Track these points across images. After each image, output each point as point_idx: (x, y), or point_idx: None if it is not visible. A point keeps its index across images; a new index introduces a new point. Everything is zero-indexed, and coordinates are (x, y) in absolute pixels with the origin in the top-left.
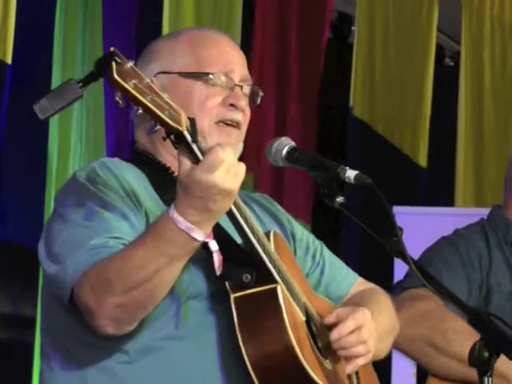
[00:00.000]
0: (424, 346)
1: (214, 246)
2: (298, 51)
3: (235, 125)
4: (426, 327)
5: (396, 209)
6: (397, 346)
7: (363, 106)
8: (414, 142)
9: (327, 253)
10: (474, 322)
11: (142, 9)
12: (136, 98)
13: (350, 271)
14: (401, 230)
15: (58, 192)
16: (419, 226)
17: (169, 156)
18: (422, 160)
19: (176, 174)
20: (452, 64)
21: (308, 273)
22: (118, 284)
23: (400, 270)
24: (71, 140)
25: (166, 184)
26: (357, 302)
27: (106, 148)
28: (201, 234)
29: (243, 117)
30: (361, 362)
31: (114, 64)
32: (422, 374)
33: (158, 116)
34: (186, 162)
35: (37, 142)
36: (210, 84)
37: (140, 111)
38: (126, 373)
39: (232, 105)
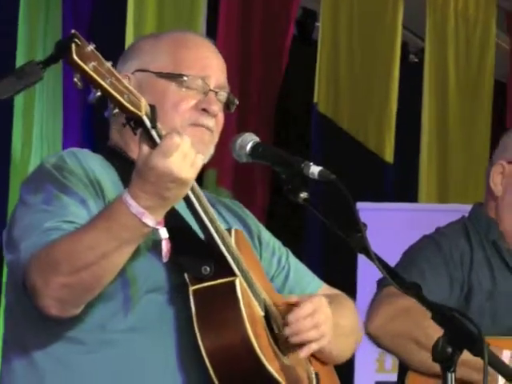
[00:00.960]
0: (406, 342)
1: (163, 233)
2: (262, 49)
3: (207, 129)
4: (407, 323)
5: (360, 205)
6: (378, 341)
7: (328, 101)
8: (380, 138)
9: (293, 259)
10: (437, 318)
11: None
12: (95, 80)
13: (315, 278)
14: (365, 225)
15: (24, 179)
16: (383, 222)
17: (137, 149)
18: (389, 156)
19: None
20: (416, 60)
21: (273, 276)
22: (65, 264)
23: (364, 266)
24: (33, 135)
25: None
26: None
27: (62, 145)
28: (151, 220)
29: (215, 123)
30: (314, 346)
31: (73, 46)
32: (403, 370)
33: (117, 99)
34: (145, 148)
35: (1, 135)
36: (184, 86)
37: (98, 93)
38: (82, 364)
39: (204, 109)
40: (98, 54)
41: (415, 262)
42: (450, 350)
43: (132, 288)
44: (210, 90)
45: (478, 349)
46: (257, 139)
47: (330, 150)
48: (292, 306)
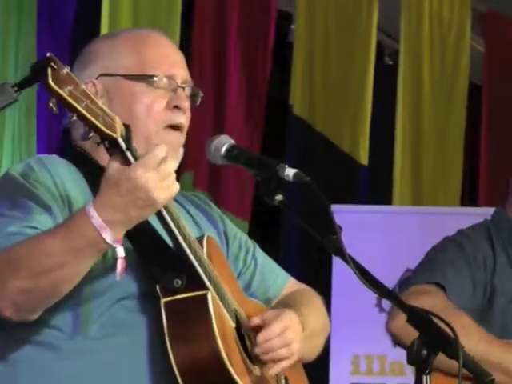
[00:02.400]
0: None
1: (120, 252)
2: (240, 50)
3: (179, 128)
4: None
5: (335, 207)
6: (400, 339)
7: (303, 104)
8: (355, 140)
9: (260, 254)
10: (412, 321)
11: (79, 10)
12: (71, 105)
13: (282, 272)
14: (340, 228)
15: None
16: (358, 224)
17: (107, 156)
18: (363, 158)
19: None
20: (391, 62)
21: (240, 273)
22: (24, 268)
23: (338, 268)
24: (4, 140)
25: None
26: (287, 303)
27: (36, 149)
28: (110, 237)
29: (186, 119)
30: (284, 364)
31: (49, 70)
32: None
33: (92, 123)
34: (116, 163)
35: None
36: (154, 86)
37: (74, 118)
38: (53, 370)
39: (176, 107)
40: (73, 76)
41: (438, 263)
42: (425, 352)
43: (105, 296)
44: (178, 86)
45: (453, 352)
46: (232, 142)
47: (305, 152)
48: (259, 324)
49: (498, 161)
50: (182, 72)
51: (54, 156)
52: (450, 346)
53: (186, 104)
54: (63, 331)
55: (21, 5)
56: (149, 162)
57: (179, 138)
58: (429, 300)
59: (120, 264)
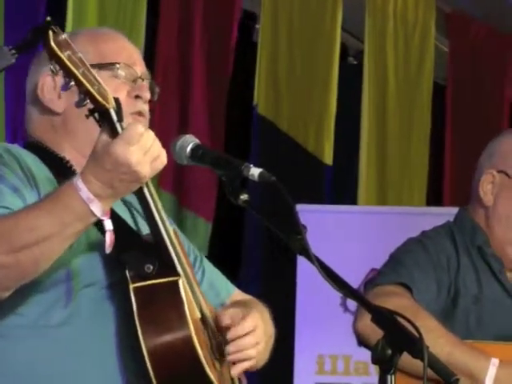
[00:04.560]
0: None
1: (108, 225)
2: (204, 50)
3: (141, 115)
4: None
5: (300, 207)
6: (367, 339)
7: (267, 103)
8: (319, 140)
9: (207, 263)
10: (377, 320)
11: (46, 11)
12: (70, 69)
13: (228, 283)
14: (305, 227)
15: None
16: (323, 224)
17: (72, 151)
18: (328, 158)
19: (75, 168)
20: (356, 63)
21: None
22: (4, 243)
23: (303, 267)
24: None
25: (66, 175)
26: (241, 306)
27: (5, 139)
28: (99, 209)
29: (147, 108)
30: (247, 364)
31: (51, 33)
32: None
33: (88, 90)
34: (105, 136)
35: None
36: (116, 75)
37: (72, 83)
38: (17, 356)
39: (137, 96)
40: (71, 42)
41: (403, 264)
42: (389, 352)
43: (74, 280)
44: (139, 77)
45: (417, 351)
46: (197, 141)
47: (269, 151)
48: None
49: (463, 160)
50: (140, 64)
51: (16, 145)
52: (415, 345)
53: (147, 94)
54: (27, 318)
55: None
56: (129, 136)
57: (143, 122)
58: (396, 300)
59: (109, 237)
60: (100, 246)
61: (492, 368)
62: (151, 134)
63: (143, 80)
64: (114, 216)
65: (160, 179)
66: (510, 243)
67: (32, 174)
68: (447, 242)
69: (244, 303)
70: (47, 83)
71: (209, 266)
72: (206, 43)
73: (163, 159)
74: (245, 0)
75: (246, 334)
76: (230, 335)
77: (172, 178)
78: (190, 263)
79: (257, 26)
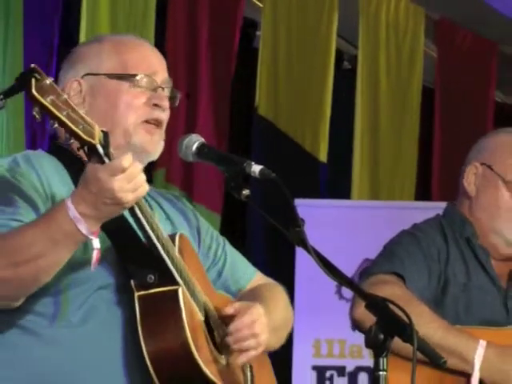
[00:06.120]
0: None
1: (96, 244)
2: (210, 53)
3: (158, 124)
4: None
5: (298, 201)
6: (363, 325)
7: (267, 105)
8: (316, 140)
9: (229, 248)
10: (370, 307)
11: (62, 15)
12: (52, 113)
13: (250, 267)
14: (302, 221)
15: None
16: (319, 218)
17: None
18: (322, 156)
19: None
20: (350, 67)
21: (209, 267)
22: (4, 258)
23: (301, 257)
24: None
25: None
26: (254, 296)
27: (25, 149)
28: (85, 228)
29: (165, 116)
30: (251, 354)
31: (33, 80)
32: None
33: (72, 130)
34: (95, 162)
35: None
36: (135, 85)
37: (56, 125)
38: (32, 356)
39: (156, 105)
40: (55, 86)
41: (396, 254)
42: (381, 336)
43: (85, 285)
44: (159, 86)
45: (407, 336)
46: (202, 140)
47: (269, 150)
48: (232, 314)
49: (450, 159)
50: (161, 73)
51: (40, 151)
52: (405, 330)
53: (166, 103)
54: (45, 317)
55: (7, 12)
56: (115, 166)
57: (156, 132)
58: (389, 289)
59: (95, 255)
60: (111, 254)
61: (480, 349)
62: (137, 166)
63: (163, 89)
64: (125, 227)
65: (168, 175)
66: (493, 231)
67: (49, 184)
68: (437, 235)
69: (254, 293)
70: (73, 87)
71: (231, 251)
72: (212, 47)
73: (145, 187)
74: (246, 9)
75: (244, 327)
76: (230, 328)
77: (180, 174)
78: (201, 266)
79: (257, 33)
